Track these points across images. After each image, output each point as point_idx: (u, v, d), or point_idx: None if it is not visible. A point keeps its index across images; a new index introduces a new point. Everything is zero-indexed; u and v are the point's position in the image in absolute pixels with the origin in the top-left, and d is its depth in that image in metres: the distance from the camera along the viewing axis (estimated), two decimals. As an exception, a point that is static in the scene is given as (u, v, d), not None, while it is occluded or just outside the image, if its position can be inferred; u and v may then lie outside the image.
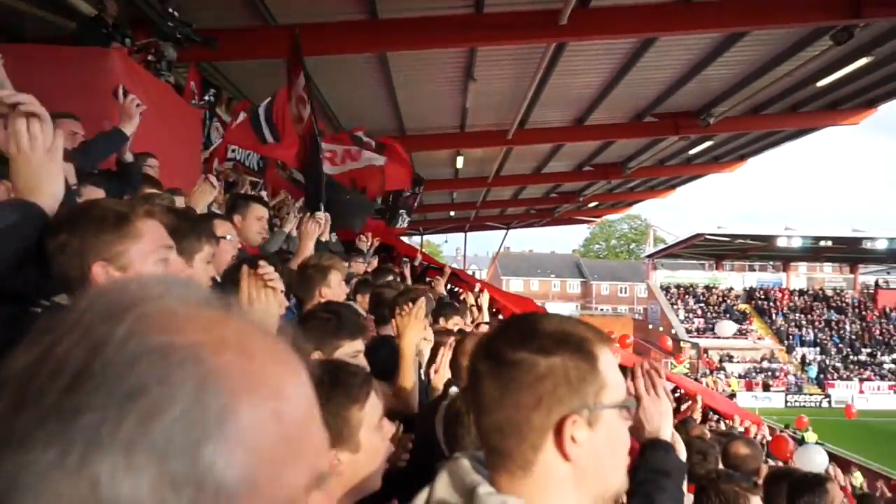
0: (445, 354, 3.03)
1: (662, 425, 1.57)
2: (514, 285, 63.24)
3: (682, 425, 5.14)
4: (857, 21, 7.67)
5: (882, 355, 37.93)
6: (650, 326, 42.47)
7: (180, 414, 0.41)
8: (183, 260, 1.63)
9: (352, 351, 2.21)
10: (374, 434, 1.52)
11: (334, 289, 3.30)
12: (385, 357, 2.81)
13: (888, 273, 45.36)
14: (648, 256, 45.63)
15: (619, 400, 1.01)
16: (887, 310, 41.75)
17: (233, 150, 7.23)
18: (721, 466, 3.49)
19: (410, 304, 2.84)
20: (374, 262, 7.67)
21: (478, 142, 13.09)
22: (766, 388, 35.11)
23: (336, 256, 5.23)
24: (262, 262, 1.77)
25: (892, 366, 37.03)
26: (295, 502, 0.47)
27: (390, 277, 5.60)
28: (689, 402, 7.09)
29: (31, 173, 1.41)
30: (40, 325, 0.46)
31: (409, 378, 2.76)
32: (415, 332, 2.80)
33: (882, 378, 36.05)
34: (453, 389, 2.57)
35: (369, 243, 8.38)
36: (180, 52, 5.87)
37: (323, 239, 5.51)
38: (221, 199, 5.78)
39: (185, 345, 0.44)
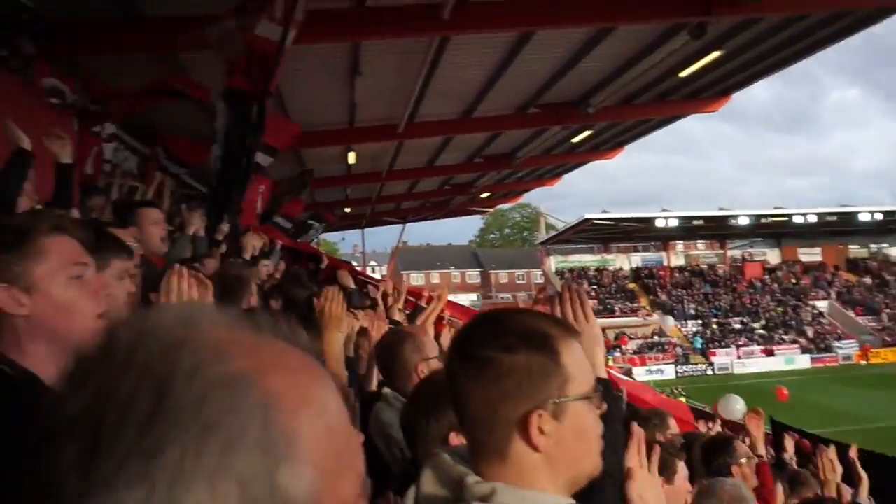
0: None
1: (597, 356, 1.57)
2: (415, 279, 63.54)
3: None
4: (708, 18, 8.42)
5: (752, 322, 41.71)
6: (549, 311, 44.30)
7: (255, 440, 0.43)
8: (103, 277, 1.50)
9: None
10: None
11: (256, 297, 3.29)
12: None
13: (751, 247, 49.95)
14: (542, 243, 47.42)
15: (583, 392, 1.06)
16: (753, 280, 46.00)
17: (114, 152, 6.82)
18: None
19: (327, 295, 2.70)
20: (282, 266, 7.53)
21: (369, 136, 13.07)
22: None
23: (252, 266, 5.09)
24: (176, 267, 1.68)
25: (762, 332, 40.79)
26: None
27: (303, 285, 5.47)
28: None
29: None
30: (75, 366, 0.47)
31: (337, 376, 2.60)
32: (336, 328, 2.66)
33: (755, 343, 39.59)
34: (387, 391, 2.54)
35: (264, 244, 8.18)
36: (40, 48, 5.47)
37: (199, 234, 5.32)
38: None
39: (242, 372, 0.45)
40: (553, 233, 46.82)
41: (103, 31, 6.54)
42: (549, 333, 1.06)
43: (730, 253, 49.09)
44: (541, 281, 52.78)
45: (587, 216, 40.23)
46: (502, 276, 66.69)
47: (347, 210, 23.60)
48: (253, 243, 6.27)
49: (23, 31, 5.21)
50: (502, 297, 60.14)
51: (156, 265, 3.54)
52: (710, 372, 36.14)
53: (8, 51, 5.11)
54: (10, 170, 3.14)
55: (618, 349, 38.50)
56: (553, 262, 47.24)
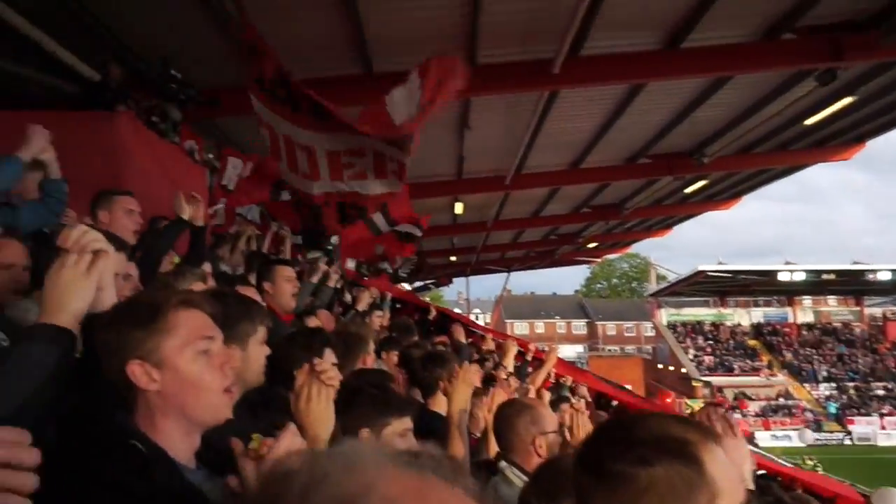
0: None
1: (745, 471, 1.49)
2: (519, 328, 62.76)
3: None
4: (839, 64, 7.90)
5: (897, 388, 37.33)
6: (660, 366, 42.03)
7: None
8: (233, 348, 1.51)
9: (401, 429, 2.02)
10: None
11: (372, 355, 3.44)
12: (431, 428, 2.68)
13: (893, 304, 45.02)
14: (652, 295, 45.46)
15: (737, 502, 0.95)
16: (897, 342, 41.34)
17: (240, 207, 7.39)
18: None
19: (460, 369, 2.76)
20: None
21: (476, 188, 13.29)
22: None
23: (365, 321, 5.30)
24: (318, 361, 1.67)
25: (910, 399, 36.36)
26: None
27: (415, 336, 5.67)
28: None
29: (57, 292, 1.32)
30: None
31: (459, 446, 2.61)
32: (463, 398, 2.68)
33: (902, 412, 35.31)
34: (504, 465, 2.52)
35: (379, 296, 8.45)
36: (185, 113, 6.08)
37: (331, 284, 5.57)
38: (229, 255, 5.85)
39: None
40: (664, 284, 44.82)
41: (239, 97, 7.17)
42: (686, 439, 0.94)
43: (867, 310, 44.55)
44: (651, 333, 50.41)
45: (701, 268, 38.20)
46: (610, 327, 64.33)
47: (453, 259, 23.93)
48: (367, 298, 6.57)
49: (171, 99, 5.83)
50: (610, 350, 57.96)
51: (285, 321, 3.73)
52: (847, 441, 32.54)
53: (158, 117, 5.72)
54: (166, 234, 3.48)
55: (737, 411, 35.64)
56: (665, 315, 45.02)
